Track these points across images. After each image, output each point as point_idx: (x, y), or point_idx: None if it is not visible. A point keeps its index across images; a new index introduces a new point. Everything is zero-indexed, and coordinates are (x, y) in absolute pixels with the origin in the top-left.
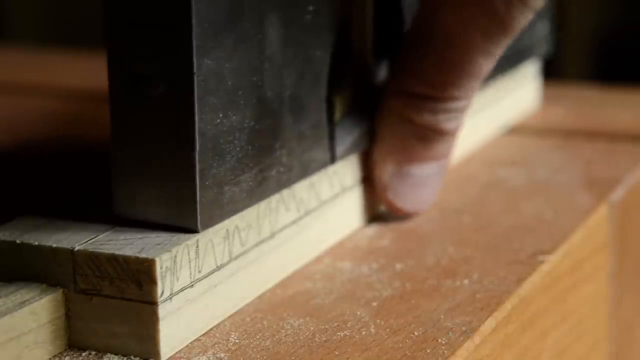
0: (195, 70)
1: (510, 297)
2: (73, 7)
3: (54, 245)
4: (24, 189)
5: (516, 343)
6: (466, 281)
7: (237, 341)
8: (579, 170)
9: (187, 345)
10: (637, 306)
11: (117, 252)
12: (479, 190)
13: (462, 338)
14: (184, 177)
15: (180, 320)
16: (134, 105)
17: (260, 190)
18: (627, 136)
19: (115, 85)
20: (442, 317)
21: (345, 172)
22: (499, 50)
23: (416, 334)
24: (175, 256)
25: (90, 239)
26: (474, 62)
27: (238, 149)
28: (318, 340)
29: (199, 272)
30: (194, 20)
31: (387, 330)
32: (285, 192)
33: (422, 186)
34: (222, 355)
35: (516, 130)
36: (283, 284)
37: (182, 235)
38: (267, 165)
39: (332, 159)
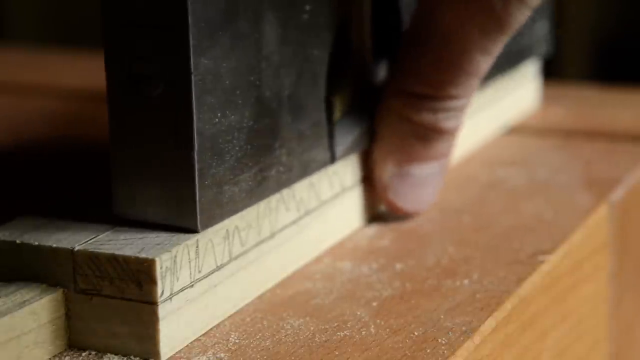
0: (192, 69)
1: (510, 297)
2: (73, 7)
3: (54, 245)
4: (24, 189)
5: (516, 343)
6: (466, 281)
7: (237, 341)
8: (579, 170)
9: (187, 345)
10: (637, 306)
11: (117, 252)
12: (479, 190)
13: (462, 338)
14: (183, 177)
15: (180, 320)
16: (133, 105)
17: (260, 190)
18: (627, 136)
19: (113, 85)
20: (442, 317)
21: (345, 172)
22: (497, 47)
23: (416, 334)
24: (175, 256)
25: (90, 239)
26: (472, 60)
27: (237, 148)
28: (318, 340)
29: (199, 272)
30: (190, 20)
31: (387, 330)
32: (285, 192)
33: (422, 186)
34: (222, 355)
35: (516, 130)
36: (283, 284)
37: (182, 235)
38: (266, 165)
39: (332, 159)
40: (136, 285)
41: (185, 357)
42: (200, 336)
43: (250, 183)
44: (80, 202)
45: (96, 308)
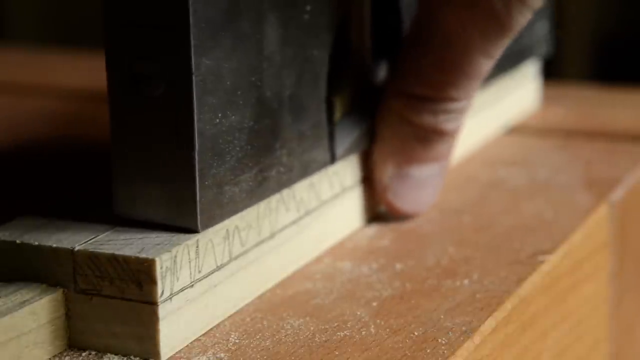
0: (193, 70)
1: (510, 297)
2: (73, 7)
3: (54, 245)
4: (24, 189)
5: (516, 343)
6: (466, 281)
7: (237, 341)
8: (579, 170)
9: (187, 345)
10: (637, 306)
11: (117, 252)
12: (479, 190)
13: (462, 338)
14: (183, 177)
15: (180, 320)
16: (134, 105)
17: (260, 190)
18: (627, 136)
19: (114, 85)
20: (442, 317)
21: (345, 172)
22: (498, 50)
23: (416, 334)
24: (175, 256)
25: (90, 239)
26: (473, 62)
27: (238, 148)
28: (318, 340)
29: (199, 272)
30: (191, 20)
31: (387, 330)
32: (285, 192)
33: (422, 187)
34: (222, 355)
35: (516, 130)
36: (283, 284)
37: (182, 235)
38: (267, 165)
39: (332, 159)
40: (136, 285)
41: (185, 357)
42: (200, 336)
43: (250, 183)
44: (80, 202)
45: (96, 308)
